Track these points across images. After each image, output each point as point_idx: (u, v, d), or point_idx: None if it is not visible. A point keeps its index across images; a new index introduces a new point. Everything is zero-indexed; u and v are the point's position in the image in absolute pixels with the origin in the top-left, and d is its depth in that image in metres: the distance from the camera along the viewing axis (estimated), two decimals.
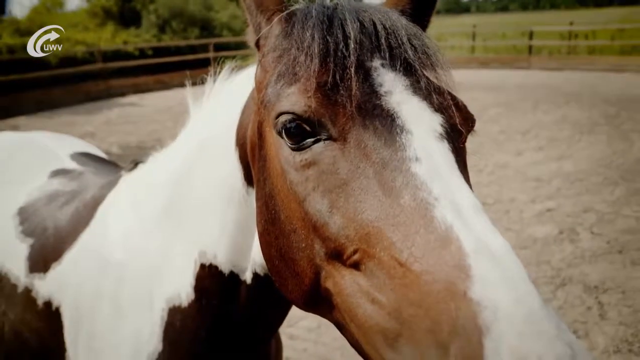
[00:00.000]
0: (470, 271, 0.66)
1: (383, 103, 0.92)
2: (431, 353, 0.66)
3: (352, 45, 0.95)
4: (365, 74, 0.95)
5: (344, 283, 0.85)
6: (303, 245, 0.94)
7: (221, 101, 1.38)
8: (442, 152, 0.87)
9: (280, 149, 0.97)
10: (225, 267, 1.32)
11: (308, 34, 0.97)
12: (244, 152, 1.22)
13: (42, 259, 1.71)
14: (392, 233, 0.76)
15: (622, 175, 8.05)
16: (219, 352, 1.41)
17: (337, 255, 0.86)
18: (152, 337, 1.40)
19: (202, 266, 1.34)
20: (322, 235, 0.88)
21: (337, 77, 0.92)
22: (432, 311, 0.67)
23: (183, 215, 1.38)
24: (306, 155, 0.92)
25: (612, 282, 4.95)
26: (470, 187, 0.90)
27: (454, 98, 1.02)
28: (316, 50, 0.95)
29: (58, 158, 2.25)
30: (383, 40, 0.98)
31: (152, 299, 1.41)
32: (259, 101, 1.06)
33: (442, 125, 0.94)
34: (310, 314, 3.90)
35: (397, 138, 0.87)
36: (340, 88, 0.91)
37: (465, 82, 18.10)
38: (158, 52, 21.05)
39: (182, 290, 1.37)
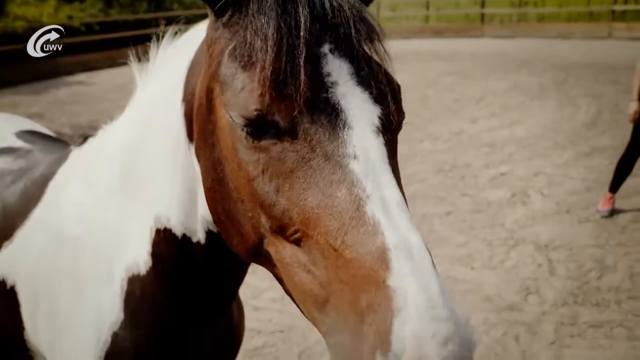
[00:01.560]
0: (390, 263, 0.80)
1: (329, 96, 0.97)
2: (350, 319, 0.82)
3: (302, 34, 0.97)
4: (315, 64, 0.98)
5: (285, 253, 0.97)
6: (249, 214, 1.01)
7: (168, 61, 1.35)
8: (377, 149, 0.95)
9: (233, 128, 1.00)
10: (178, 230, 1.31)
11: (264, 20, 0.98)
12: (190, 108, 1.20)
13: None
14: (329, 221, 0.87)
15: (570, 139, 8.40)
16: (180, 318, 1.43)
17: (279, 230, 0.96)
18: (113, 308, 1.41)
19: (158, 231, 1.34)
20: (267, 212, 0.97)
21: (288, 71, 0.94)
22: (356, 290, 0.82)
23: (137, 183, 1.37)
24: (256, 139, 0.97)
25: (561, 240, 5.23)
26: (398, 176, 0.99)
27: (390, 82, 1.07)
28: (271, 41, 0.96)
29: (2, 136, 2.18)
30: (330, 24, 1.01)
31: (112, 270, 1.41)
32: (210, 70, 1.07)
33: (379, 117, 1.01)
34: (275, 285, 3.94)
35: (340, 134, 0.93)
36: (291, 82, 0.94)
37: (420, 52, 18.36)
38: (106, 27, 20.21)
39: (140, 259, 1.38)
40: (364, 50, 1.05)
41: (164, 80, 1.32)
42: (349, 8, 1.04)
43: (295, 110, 0.93)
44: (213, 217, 1.17)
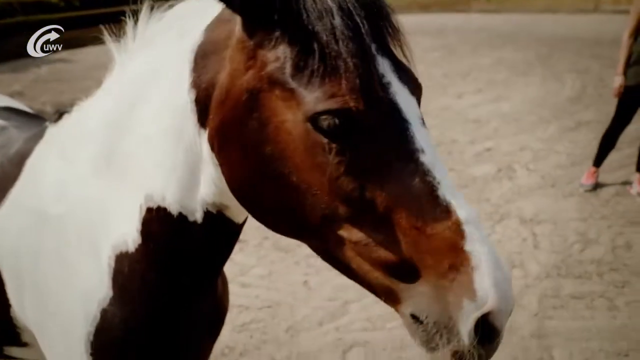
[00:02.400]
0: (465, 234, 0.98)
1: (391, 97, 1.07)
2: (434, 278, 1.01)
3: (365, 38, 1.06)
4: (375, 67, 1.07)
5: (362, 236, 1.07)
6: (322, 205, 1.07)
7: (157, 41, 1.32)
8: (430, 140, 1.09)
9: (309, 132, 1.04)
10: (174, 209, 1.31)
11: (329, 26, 1.04)
12: (204, 96, 1.20)
13: None
14: (410, 207, 1.02)
15: (555, 113, 8.45)
16: (171, 295, 1.44)
17: (359, 218, 1.06)
18: (101, 285, 1.41)
19: (149, 210, 1.33)
20: (349, 205, 1.06)
21: (366, 76, 1.03)
22: (439, 256, 1.00)
23: (122, 161, 1.36)
24: (339, 144, 1.04)
25: (545, 214, 5.29)
26: None
27: (411, 71, 1.17)
28: (349, 48, 1.03)
29: None
30: (372, 23, 1.08)
31: (98, 248, 1.41)
32: (260, 73, 1.09)
33: (418, 108, 1.13)
34: (262, 262, 3.95)
35: (406, 131, 1.05)
36: (370, 87, 1.03)
37: (408, 27, 18.06)
38: (86, 3, 19.74)
39: (129, 236, 1.37)
40: (394, 44, 1.14)
41: (157, 60, 1.30)
42: (375, 3, 1.10)
43: (376, 114, 1.04)
44: (249, 205, 1.21)
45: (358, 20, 1.05)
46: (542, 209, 5.40)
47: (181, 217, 1.32)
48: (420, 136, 1.06)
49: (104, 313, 1.41)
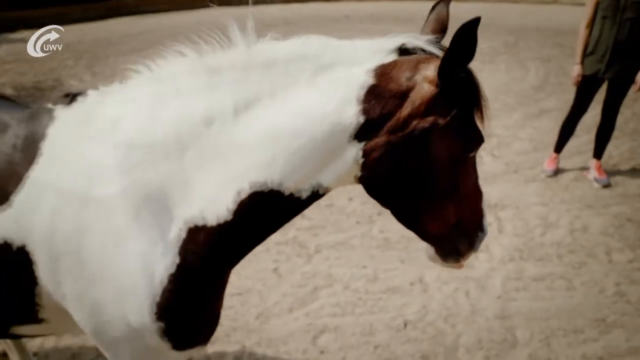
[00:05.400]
0: (483, 202, 1.71)
1: None
2: (470, 225, 1.70)
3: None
4: None
5: (450, 210, 1.63)
6: (446, 194, 1.60)
7: (287, 64, 1.52)
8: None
9: (460, 159, 1.57)
10: (287, 191, 1.55)
11: (479, 86, 1.61)
12: (375, 123, 1.50)
13: None
14: (473, 192, 1.71)
15: (519, 100, 8.64)
16: (233, 256, 1.71)
17: (458, 199, 1.64)
18: (167, 252, 1.56)
19: (256, 193, 1.54)
20: (460, 192, 1.63)
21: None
22: (476, 214, 1.71)
23: (214, 150, 1.53)
24: (470, 162, 1.67)
25: (509, 199, 5.45)
26: None
27: None
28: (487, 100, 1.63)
29: None
30: None
31: (163, 222, 1.56)
32: (442, 121, 1.49)
33: None
34: None
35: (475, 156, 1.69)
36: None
37: (376, 14, 18.24)
38: None
39: (210, 213, 1.55)
40: None
41: (289, 79, 1.51)
42: None
43: None
44: (383, 193, 1.62)
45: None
46: (505, 194, 5.56)
47: (291, 195, 1.56)
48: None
49: (171, 277, 1.57)
